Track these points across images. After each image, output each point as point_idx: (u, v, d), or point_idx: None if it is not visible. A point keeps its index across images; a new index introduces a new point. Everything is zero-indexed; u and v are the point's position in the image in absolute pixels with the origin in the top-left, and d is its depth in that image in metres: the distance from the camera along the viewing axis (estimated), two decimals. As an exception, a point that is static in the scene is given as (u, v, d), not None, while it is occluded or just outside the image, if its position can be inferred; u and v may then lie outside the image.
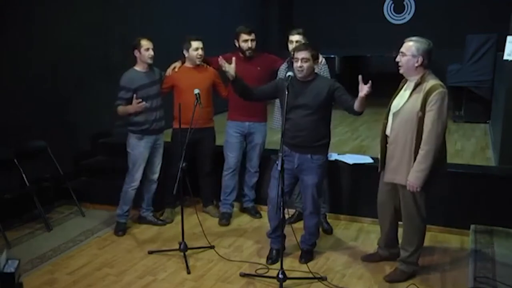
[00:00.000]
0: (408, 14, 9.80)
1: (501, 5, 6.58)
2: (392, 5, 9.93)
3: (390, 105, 3.22)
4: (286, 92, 3.22)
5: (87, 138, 5.41)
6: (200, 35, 4.29)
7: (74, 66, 5.08)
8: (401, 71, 3.12)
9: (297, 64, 3.36)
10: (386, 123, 3.23)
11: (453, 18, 9.06)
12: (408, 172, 3.06)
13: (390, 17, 9.97)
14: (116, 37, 5.38)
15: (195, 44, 4.22)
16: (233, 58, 3.54)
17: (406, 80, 3.20)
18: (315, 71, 3.52)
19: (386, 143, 3.25)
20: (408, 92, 3.09)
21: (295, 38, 4.03)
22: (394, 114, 3.10)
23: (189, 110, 3.81)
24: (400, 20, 9.87)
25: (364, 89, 3.07)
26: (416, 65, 3.02)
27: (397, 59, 3.10)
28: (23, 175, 4.32)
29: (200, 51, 4.23)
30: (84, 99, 5.14)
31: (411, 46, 3.03)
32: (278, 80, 3.81)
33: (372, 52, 9.05)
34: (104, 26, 5.50)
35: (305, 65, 3.34)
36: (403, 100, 3.10)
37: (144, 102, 3.96)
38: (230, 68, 3.45)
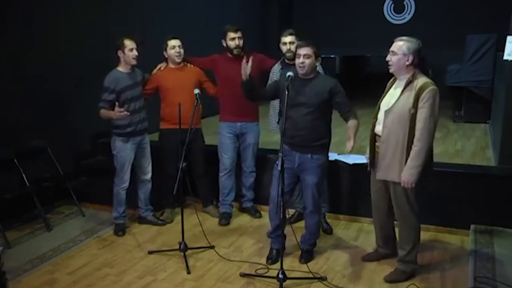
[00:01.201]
0: (408, 14, 9.80)
1: (501, 5, 6.58)
2: (392, 5, 9.94)
3: (379, 105, 3.25)
4: (286, 92, 3.22)
5: (87, 138, 5.41)
6: (176, 34, 4.27)
7: (74, 66, 5.08)
8: (391, 70, 3.17)
9: (299, 60, 3.37)
10: (375, 122, 3.26)
11: (453, 18, 9.06)
12: (400, 169, 3.09)
13: (390, 17, 9.97)
14: (116, 37, 5.36)
15: (172, 42, 4.21)
16: (251, 57, 3.55)
17: (394, 80, 3.25)
18: None
19: (375, 141, 3.28)
20: (399, 91, 3.12)
21: (287, 39, 4.05)
22: (385, 112, 3.13)
23: (176, 110, 3.78)
24: (400, 20, 9.88)
25: (349, 146, 3.33)
26: (407, 63, 3.07)
27: (388, 58, 3.15)
28: (23, 175, 4.32)
29: (177, 49, 4.21)
30: (84, 99, 5.13)
31: (401, 46, 3.07)
32: (279, 80, 3.80)
33: (372, 52, 9.05)
34: (104, 26, 5.49)
35: (307, 61, 3.35)
36: (394, 98, 3.13)
37: (126, 112, 3.88)
38: (247, 68, 3.48)
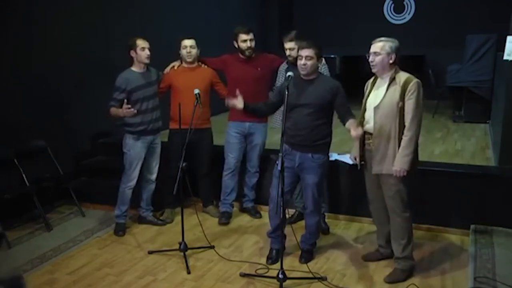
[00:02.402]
0: (408, 14, 9.80)
1: (501, 5, 6.57)
2: (392, 5, 9.94)
3: (365, 104, 3.34)
4: (286, 92, 3.22)
5: (87, 138, 5.41)
6: (191, 34, 4.28)
7: (74, 66, 5.08)
8: (374, 70, 3.26)
9: (300, 62, 3.37)
10: (363, 122, 3.33)
11: (453, 18, 9.06)
12: (393, 160, 3.16)
13: (390, 17, 9.97)
14: (116, 37, 5.38)
15: (184, 42, 4.23)
16: (237, 92, 3.53)
17: (374, 80, 3.33)
18: None
19: (364, 140, 3.36)
20: (383, 88, 3.22)
21: (287, 45, 4.03)
22: (375, 109, 3.22)
23: (186, 110, 3.81)
24: (400, 20, 9.88)
25: (355, 134, 3.24)
26: (390, 62, 3.19)
27: (370, 59, 3.23)
28: (23, 175, 4.33)
29: (189, 49, 4.21)
30: (84, 99, 5.14)
31: (383, 45, 3.19)
32: (280, 86, 3.79)
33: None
34: (104, 26, 5.50)
35: (309, 63, 3.35)
36: (379, 96, 3.23)
37: (133, 109, 3.91)
38: (239, 102, 3.48)
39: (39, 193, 4.39)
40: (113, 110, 4.01)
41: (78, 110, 5.11)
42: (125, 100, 3.96)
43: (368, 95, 3.34)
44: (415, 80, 3.15)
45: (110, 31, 5.50)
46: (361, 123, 3.35)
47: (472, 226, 4.00)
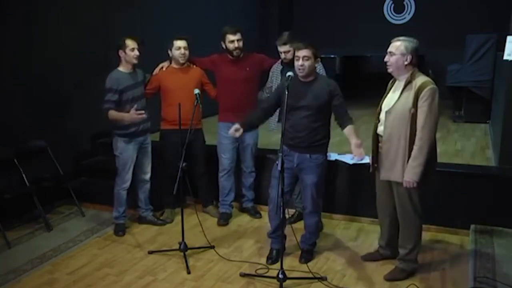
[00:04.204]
0: (408, 14, 9.80)
1: (501, 5, 6.58)
2: (392, 5, 9.94)
3: (381, 106, 3.27)
4: (286, 92, 3.21)
5: (87, 138, 5.41)
6: (184, 35, 4.25)
7: (74, 66, 5.08)
8: (390, 71, 3.18)
9: (298, 63, 3.35)
10: (378, 123, 3.27)
11: (453, 18, 9.05)
12: (403, 169, 3.10)
13: (390, 17, 9.97)
14: (116, 37, 5.37)
15: (177, 43, 4.18)
16: (236, 127, 3.55)
17: (394, 82, 3.26)
18: None
19: (378, 142, 3.29)
20: (398, 91, 3.14)
21: (281, 49, 4.01)
22: (386, 112, 3.14)
23: (177, 111, 3.77)
24: (400, 20, 9.87)
25: (356, 152, 3.31)
26: (406, 63, 3.08)
27: (386, 59, 3.15)
28: (23, 175, 4.33)
29: (182, 50, 4.18)
30: (84, 99, 5.14)
31: (399, 45, 3.08)
32: (278, 87, 3.77)
33: (372, 52, 9.05)
34: (104, 26, 5.50)
35: (307, 63, 3.34)
36: (394, 99, 3.15)
37: (144, 114, 3.89)
38: (237, 130, 3.52)
39: (39, 193, 4.39)
40: (113, 114, 3.92)
41: (78, 110, 5.12)
42: (135, 106, 3.91)
43: (385, 97, 3.26)
44: (430, 86, 3.00)
45: (110, 31, 5.50)
46: (376, 125, 3.28)
47: (472, 226, 4.00)
